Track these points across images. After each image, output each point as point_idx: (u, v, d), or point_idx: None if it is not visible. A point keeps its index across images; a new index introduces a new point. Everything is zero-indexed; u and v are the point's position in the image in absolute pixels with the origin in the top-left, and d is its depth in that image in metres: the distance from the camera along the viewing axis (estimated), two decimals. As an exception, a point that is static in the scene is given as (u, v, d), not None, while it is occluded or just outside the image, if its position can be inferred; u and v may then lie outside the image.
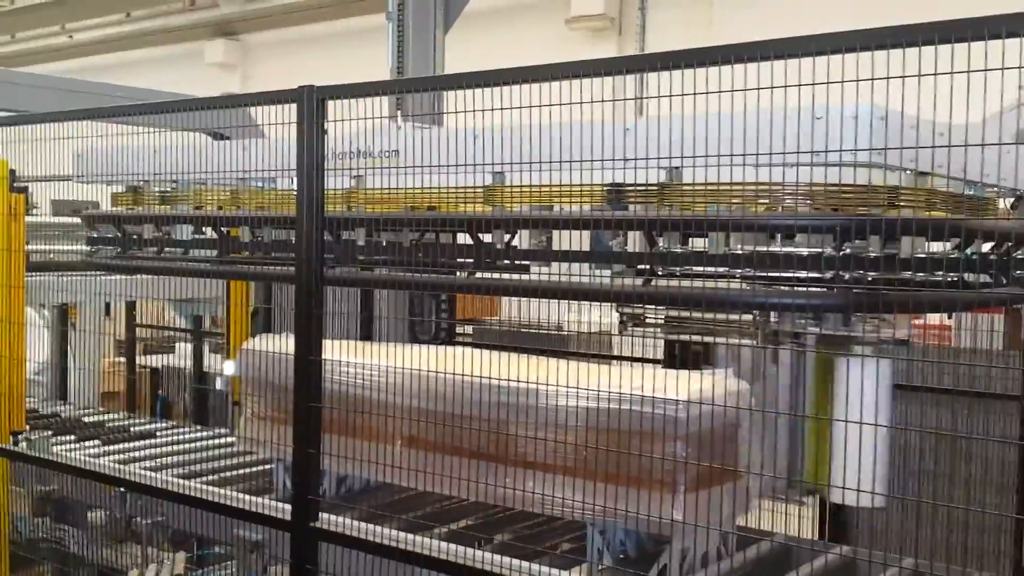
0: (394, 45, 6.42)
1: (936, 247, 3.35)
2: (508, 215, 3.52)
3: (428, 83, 3.54)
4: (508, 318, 9.43)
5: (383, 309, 6.00)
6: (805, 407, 3.69)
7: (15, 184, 9.43)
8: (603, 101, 2.95)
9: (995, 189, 3.53)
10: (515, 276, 3.73)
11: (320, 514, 3.93)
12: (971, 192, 3.46)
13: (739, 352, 3.70)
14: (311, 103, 3.60)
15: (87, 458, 5.08)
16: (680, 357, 4.54)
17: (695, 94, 2.87)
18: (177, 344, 9.87)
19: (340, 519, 3.93)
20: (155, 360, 9.78)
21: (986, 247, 3.49)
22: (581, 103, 2.97)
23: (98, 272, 6.13)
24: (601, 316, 6.16)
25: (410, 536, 3.71)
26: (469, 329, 9.04)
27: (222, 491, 4.44)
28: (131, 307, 9.07)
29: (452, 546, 3.66)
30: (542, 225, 3.61)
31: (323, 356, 4.19)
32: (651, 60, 2.92)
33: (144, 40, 21.98)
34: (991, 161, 3.33)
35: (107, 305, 9.13)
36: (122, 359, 9.21)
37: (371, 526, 3.79)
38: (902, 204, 2.97)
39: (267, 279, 4.53)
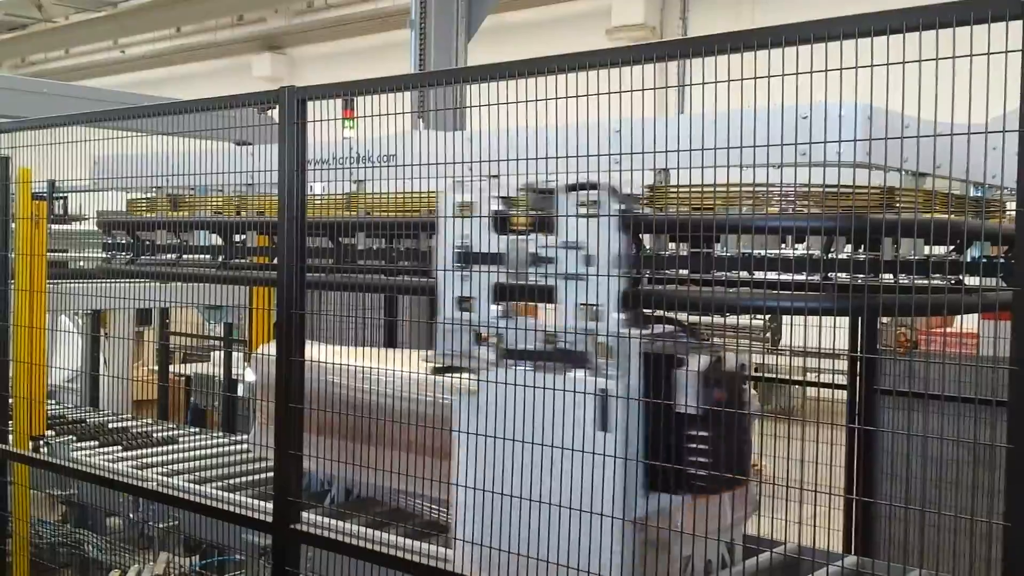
0: (416, 52, 6.44)
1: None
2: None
3: (410, 80, 3.53)
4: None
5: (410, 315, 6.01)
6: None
7: (56, 194, 9.57)
8: (576, 96, 2.92)
9: (1001, 191, 3.44)
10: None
11: (310, 517, 3.94)
12: (977, 194, 3.38)
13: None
14: (291, 104, 3.61)
15: (100, 462, 5.13)
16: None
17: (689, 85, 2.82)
18: (212, 352, 9.96)
19: (326, 521, 3.92)
20: (191, 368, 9.87)
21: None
22: (554, 99, 2.95)
23: (125, 279, 6.18)
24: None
25: (397, 539, 3.69)
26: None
27: (207, 492, 4.49)
28: (164, 315, 9.17)
29: (439, 549, 3.63)
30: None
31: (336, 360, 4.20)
32: (635, 52, 2.88)
33: (194, 54, 22.36)
34: (999, 163, 3.24)
35: (148, 313, 9.25)
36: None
37: (362, 528, 3.78)
38: (898, 205, 2.90)
39: (250, 283, 4.55)
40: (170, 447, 5.69)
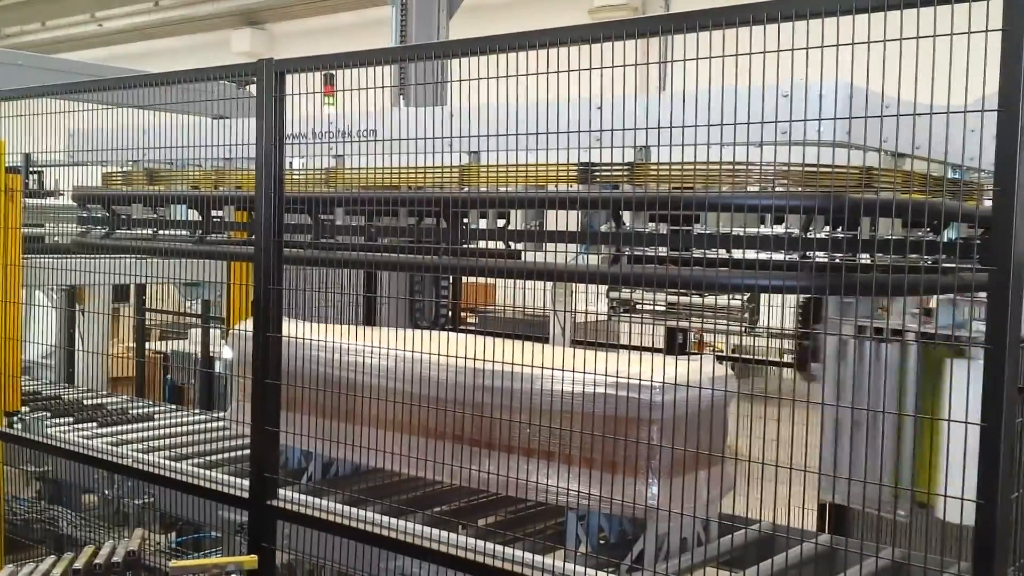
0: (397, 29, 6.40)
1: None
2: (480, 195, 3.48)
3: (389, 54, 3.51)
4: (504, 305, 9.33)
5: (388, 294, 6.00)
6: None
7: (31, 168, 9.46)
8: (558, 72, 2.90)
9: (981, 173, 3.45)
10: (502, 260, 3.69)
11: (287, 494, 3.93)
12: (956, 175, 3.39)
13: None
14: (270, 77, 3.58)
15: (75, 439, 5.10)
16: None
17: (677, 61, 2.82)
18: (190, 330, 9.91)
19: (302, 498, 3.92)
20: (168, 345, 9.81)
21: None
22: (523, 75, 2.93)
23: (101, 254, 6.12)
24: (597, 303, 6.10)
25: (374, 516, 3.70)
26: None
27: (183, 468, 4.47)
28: (140, 291, 9.11)
29: (410, 525, 3.64)
30: (522, 205, 3.57)
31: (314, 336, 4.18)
32: (617, 28, 2.87)
33: (172, 29, 22.15)
34: (980, 145, 3.24)
35: (124, 289, 9.17)
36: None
37: (338, 505, 3.78)
38: (876, 185, 2.91)
39: (226, 258, 4.52)
40: (146, 424, 5.65)
